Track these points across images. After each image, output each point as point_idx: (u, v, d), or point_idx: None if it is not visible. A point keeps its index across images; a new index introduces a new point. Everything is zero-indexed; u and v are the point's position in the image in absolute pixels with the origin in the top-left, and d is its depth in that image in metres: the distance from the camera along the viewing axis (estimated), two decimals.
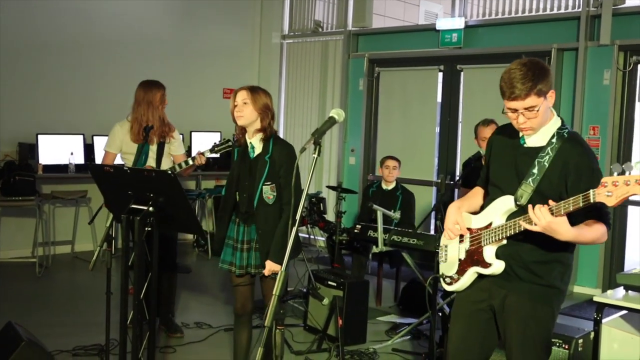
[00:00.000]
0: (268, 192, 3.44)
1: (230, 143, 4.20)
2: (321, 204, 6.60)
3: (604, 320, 3.78)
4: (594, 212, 2.43)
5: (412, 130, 7.97)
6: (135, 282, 3.10)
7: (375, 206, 5.24)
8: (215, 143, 4.37)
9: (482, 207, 2.79)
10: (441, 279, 2.88)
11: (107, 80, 7.62)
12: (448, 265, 2.84)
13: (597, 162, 2.59)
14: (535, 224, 2.36)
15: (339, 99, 8.55)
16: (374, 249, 5.49)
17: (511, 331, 2.66)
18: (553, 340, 3.88)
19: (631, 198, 7.04)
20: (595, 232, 2.46)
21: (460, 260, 2.77)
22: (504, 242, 2.60)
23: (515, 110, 2.50)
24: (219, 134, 7.99)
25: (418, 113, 7.92)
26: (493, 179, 2.75)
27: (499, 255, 2.62)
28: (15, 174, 6.44)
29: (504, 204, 2.62)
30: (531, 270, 2.60)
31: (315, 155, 2.52)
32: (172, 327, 4.85)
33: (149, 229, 3.08)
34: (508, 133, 2.71)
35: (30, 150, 6.88)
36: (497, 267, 2.61)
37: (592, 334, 3.75)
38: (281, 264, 3.37)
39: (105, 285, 3.54)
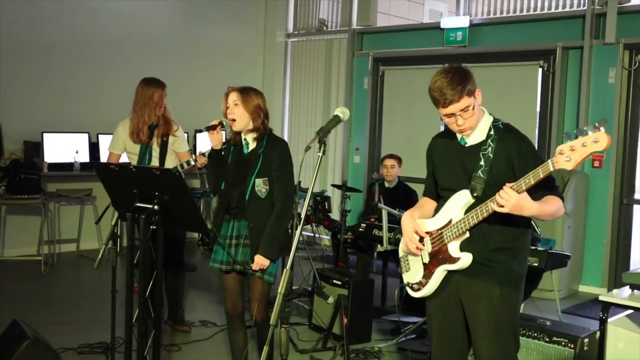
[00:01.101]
0: (260, 185, 3.43)
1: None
2: (326, 203, 6.60)
3: (609, 320, 3.77)
4: (547, 189, 2.58)
5: (416, 129, 7.96)
6: (141, 280, 3.11)
7: (380, 205, 5.24)
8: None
9: (436, 210, 2.86)
10: (408, 288, 2.90)
11: (112, 79, 7.63)
12: (412, 273, 2.88)
13: (533, 144, 2.78)
14: (503, 206, 2.46)
15: (344, 97, 8.55)
16: (379, 248, 5.48)
17: (483, 319, 2.70)
18: (558, 339, 3.88)
19: (638, 197, 6.98)
20: (553, 204, 2.59)
21: (424, 264, 2.81)
22: (467, 235, 2.66)
23: (452, 115, 2.66)
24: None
25: (422, 112, 7.90)
26: (444, 183, 2.84)
27: (464, 249, 2.68)
28: (20, 172, 6.45)
29: (461, 199, 2.70)
30: (497, 257, 2.66)
31: (320, 154, 2.53)
32: (180, 321, 4.86)
33: (154, 227, 3.09)
34: (446, 138, 2.85)
35: (35, 148, 6.90)
36: (465, 259, 2.67)
37: (598, 334, 3.74)
38: (270, 259, 3.39)
39: (111, 284, 3.55)
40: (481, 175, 2.64)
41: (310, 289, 5.25)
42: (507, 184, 2.46)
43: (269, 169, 3.44)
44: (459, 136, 2.76)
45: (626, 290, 3.76)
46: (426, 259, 2.79)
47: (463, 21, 7.53)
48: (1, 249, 6.85)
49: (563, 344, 3.89)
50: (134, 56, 7.83)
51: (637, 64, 6.42)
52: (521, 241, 2.73)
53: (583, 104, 6.61)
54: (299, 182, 3.22)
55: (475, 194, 2.65)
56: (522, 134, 2.76)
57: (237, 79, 8.73)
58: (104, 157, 7.01)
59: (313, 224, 6.86)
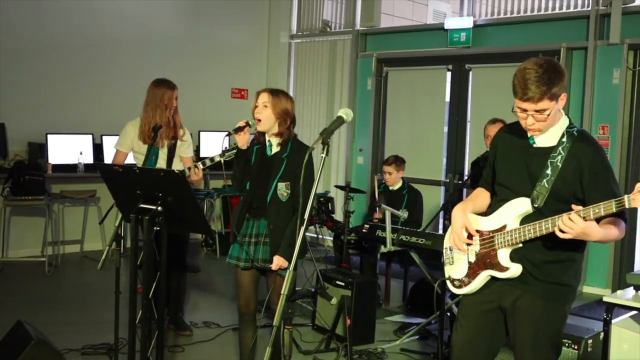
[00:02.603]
0: (283, 189, 3.47)
1: (236, 150, 4.07)
2: (329, 204, 6.60)
3: (613, 321, 3.76)
4: (616, 213, 2.40)
5: (420, 130, 7.96)
6: (144, 282, 3.11)
7: (383, 206, 5.23)
8: (226, 147, 4.28)
9: (490, 208, 2.74)
10: (448, 282, 2.82)
11: (116, 80, 7.65)
12: (455, 267, 2.79)
13: (607, 158, 2.60)
14: (566, 232, 2.33)
15: (347, 98, 8.55)
16: (383, 249, 5.48)
17: (523, 331, 2.62)
18: (562, 340, 3.86)
19: None
20: (618, 228, 2.47)
21: (470, 263, 2.72)
22: (520, 245, 2.56)
23: (525, 111, 2.46)
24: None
25: (426, 112, 7.91)
26: (502, 179, 2.70)
27: (512, 257, 2.59)
28: (24, 174, 6.46)
29: (520, 206, 2.57)
30: (547, 270, 2.57)
31: (324, 155, 2.52)
32: (181, 325, 4.86)
33: (158, 228, 3.09)
34: (515, 133, 2.66)
35: (39, 149, 6.91)
36: (515, 270, 2.57)
37: (602, 335, 3.73)
38: (289, 260, 3.40)
39: (114, 285, 3.55)
40: (545, 185, 2.49)
41: (313, 290, 5.24)
42: (573, 211, 2.31)
43: (292, 174, 3.47)
44: (528, 134, 2.57)
45: (630, 291, 3.75)
46: (472, 258, 2.70)
47: (467, 22, 7.52)
48: (5, 250, 6.86)
49: (567, 345, 3.89)
50: (137, 57, 7.84)
51: None
52: (575, 254, 2.60)
53: (587, 104, 6.59)
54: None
55: (535, 205, 2.51)
56: (596, 144, 2.57)
57: (241, 80, 8.80)
58: (107, 159, 7.01)
59: (316, 225, 6.85)
